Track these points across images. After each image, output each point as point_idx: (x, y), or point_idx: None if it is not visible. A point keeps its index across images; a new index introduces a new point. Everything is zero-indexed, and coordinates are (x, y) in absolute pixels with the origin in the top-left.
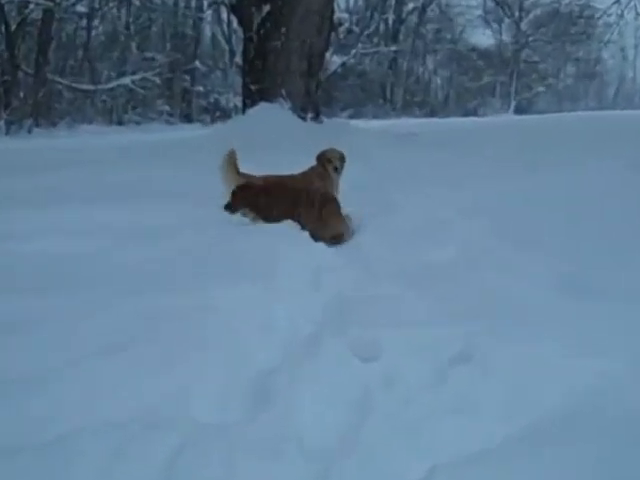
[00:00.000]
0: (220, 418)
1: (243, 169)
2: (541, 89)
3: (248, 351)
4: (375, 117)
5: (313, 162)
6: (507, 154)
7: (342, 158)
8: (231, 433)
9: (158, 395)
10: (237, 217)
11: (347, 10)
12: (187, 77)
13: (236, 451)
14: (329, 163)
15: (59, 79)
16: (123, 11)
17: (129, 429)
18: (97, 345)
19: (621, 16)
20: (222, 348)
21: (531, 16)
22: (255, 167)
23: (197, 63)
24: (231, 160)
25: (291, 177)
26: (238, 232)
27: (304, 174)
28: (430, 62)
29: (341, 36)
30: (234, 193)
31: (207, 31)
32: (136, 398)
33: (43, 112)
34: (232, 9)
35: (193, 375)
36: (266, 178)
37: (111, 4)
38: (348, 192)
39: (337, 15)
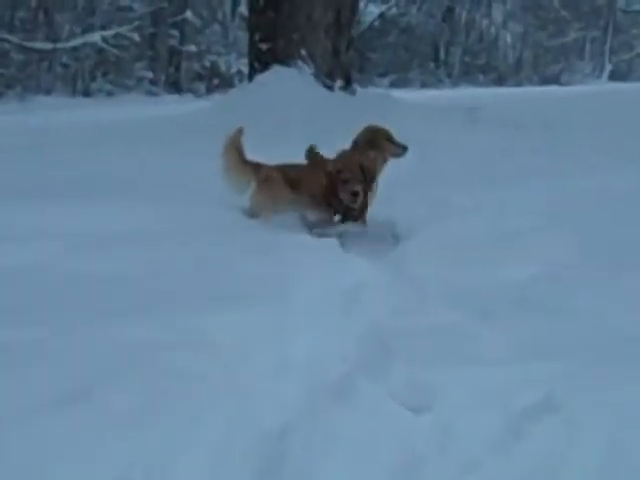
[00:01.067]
0: None
1: (251, 156)
2: None
3: (253, 402)
4: (424, 86)
5: (341, 147)
6: (601, 138)
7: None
8: None
9: (129, 461)
10: (245, 220)
11: None
12: (175, 33)
13: None
14: (343, 185)
15: (6, 36)
16: None
17: None
18: (51, 393)
19: None
20: (217, 398)
21: None
22: (266, 154)
23: (188, 14)
24: (235, 144)
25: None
26: (240, 241)
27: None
28: (498, 12)
29: None
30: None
31: None
32: (100, 464)
33: None
34: None
35: (177, 435)
36: (283, 169)
37: None
38: (390, 189)
39: None
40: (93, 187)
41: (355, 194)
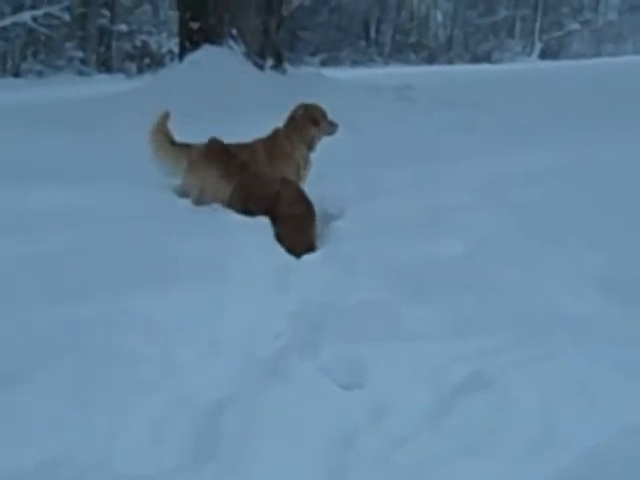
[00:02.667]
0: (149, 469)
1: (180, 137)
2: (575, 27)
3: (189, 379)
4: (356, 64)
5: (273, 125)
6: (531, 115)
7: (328, 118)
8: None
9: (68, 439)
10: (177, 200)
11: None
12: (105, 12)
13: None
14: (314, 125)
15: None
16: None
17: None
18: None
19: None
20: (154, 376)
21: None
22: (197, 133)
23: None
24: (161, 128)
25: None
26: (175, 222)
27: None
28: None
29: None
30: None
31: None
32: (38, 443)
33: None
34: None
35: (115, 412)
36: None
37: None
38: (323, 168)
39: None
40: (24, 170)
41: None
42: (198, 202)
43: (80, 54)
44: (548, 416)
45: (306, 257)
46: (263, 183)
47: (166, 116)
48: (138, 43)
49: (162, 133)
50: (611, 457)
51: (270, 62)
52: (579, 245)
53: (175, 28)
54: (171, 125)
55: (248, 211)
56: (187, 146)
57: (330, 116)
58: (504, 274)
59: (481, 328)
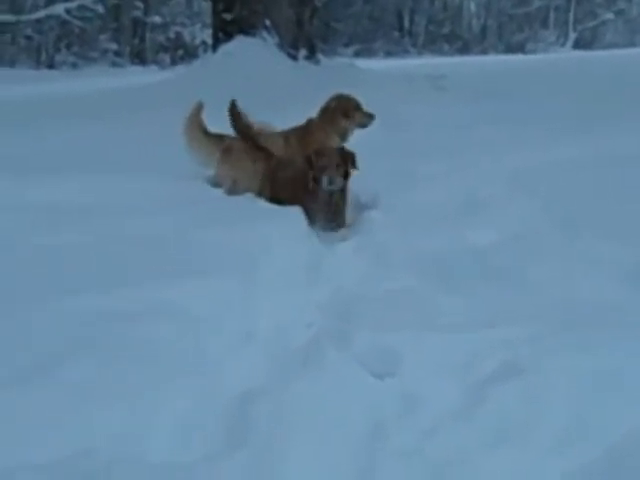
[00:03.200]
0: (181, 457)
1: (213, 128)
2: (609, 16)
3: (219, 369)
4: (389, 55)
5: (306, 116)
6: (564, 105)
7: (362, 110)
8: (195, 477)
9: (98, 431)
10: (210, 190)
11: None
12: (139, 4)
13: None
14: (345, 117)
15: None
16: None
17: (59, 476)
18: (16, 366)
19: None
20: (186, 366)
21: None
22: (230, 125)
23: None
24: (195, 119)
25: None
26: (205, 213)
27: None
28: None
29: None
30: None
31: None
32: (68, 436)
33: None
34: None
35: (146, 403)
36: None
37: None
38: (357, 158)
39: None
40: (57, 161)
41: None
42: (231, 192)
43: (114, 46)
44: (579, 408)
45: (339, 247)
46: (288, 168)
47: (200, 107)
48: (172, 35)
49: (196, 124)
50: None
51: (303, 53)
52: (611, 236)
53: (208, 19)
54: (204, 116)
55: (277, 199)
56: (220, 137)
57: (365, 107)
58: (536, 265)
59: (512, 318)
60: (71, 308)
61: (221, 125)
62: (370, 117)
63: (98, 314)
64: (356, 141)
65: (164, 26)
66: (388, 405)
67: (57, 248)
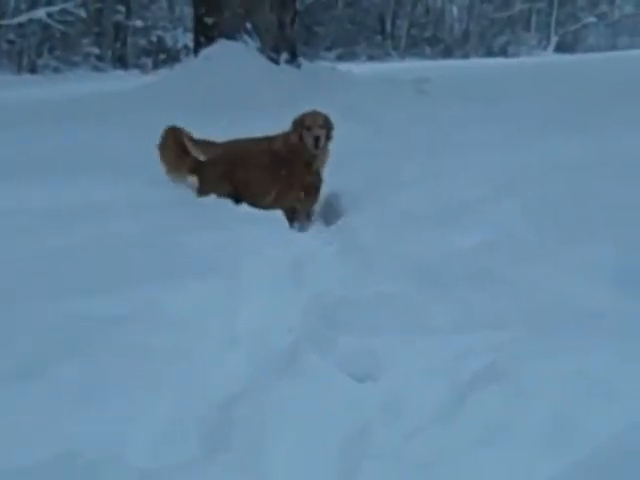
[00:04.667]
0: (164, 460)
1: (194, 132)
2: (591, 20)
3: (202, 372)
4: (371, 59)
5: (287, 120)
6: (548, 108)
7: (328, 124)
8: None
9: (81, 433)
10: (191, 195)
11: None
12: (121, 8)
13: None
14: (307, 131)
15: None
16: None
17: (41, 478)
18: (3, 369)
19: None
20: (167, 369)
21: None
22: (211, 129)
23: None
24: (174, 139)
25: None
26: (189, 216)
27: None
28: None
29: None
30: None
31: None
32: (52, 438)
33: None
34: None
35: (128, 406)
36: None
37: None
38: (338, 160)
39: None
40: (39, 165)
41: (317, 139)
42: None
43: (96, 50)
44: (562, 410)
45: (322, 250)
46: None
47: (173, 131)
48: (153, 38)
49: (169, 148)
50: (625, 452)
51: (285, 57)
52: (595, 239)
53: (190, 23)
54: (185, 121)
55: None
56: (196, 160)
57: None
58: (520, 268)
59: (496, 321)
60: (55, 311)
61: (200, 130)
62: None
63: (82, 318)
64: (338, 144)
65: (146, 30)
66: (370, 408)
67: (41, 252)
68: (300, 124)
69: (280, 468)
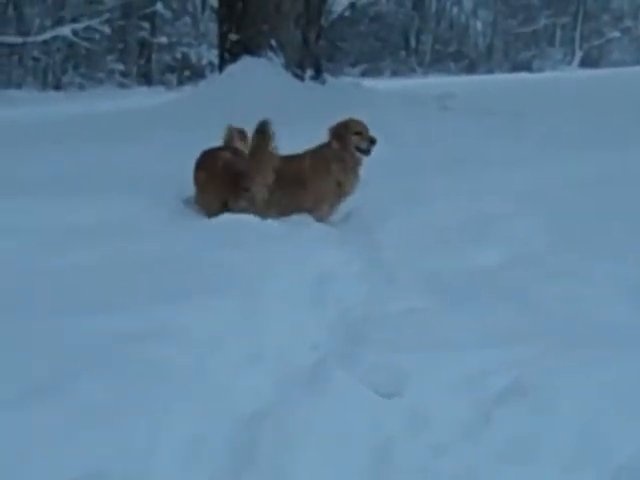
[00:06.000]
0: (189, 477)
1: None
2: (615, 35)
3: (227, 387)
4: (395, 75)
5: (316, 138)
6: (572, 124)
7: (369, 135)
8: None
9: (103, 454)
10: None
11: None
12: (145, 25)
13: None
14: (357, 135)
15: None
16: None
17: None
18: (19, 386)
19: None
20: (192, 386)
21: None
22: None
23: (159, 6)
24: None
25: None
26: (210, 234)
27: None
28: (467, 0)
29: None
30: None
31: None
32: (72, 458)
33: None
34: None
35: (151, 425)
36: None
37: None
38: (363, 175)
39: None
40: (63, 183)
41: (373, 141)
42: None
43: (120, 67)
44: (588, 426)
45: (345, 266)
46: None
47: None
48: (178, 55)
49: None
50: None
51: (309, 73)
52: (618, 255)
53: (215, 40)
54: (210, 138)
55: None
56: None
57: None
58: (543, 284)
59: (520, 337)
60: (77, 328)
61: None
62: (370, 142)
63: (105, 334)
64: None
65: (170, 46)
66: (395, 424)
67: (64, 269)
68: (345, 130)
69: None
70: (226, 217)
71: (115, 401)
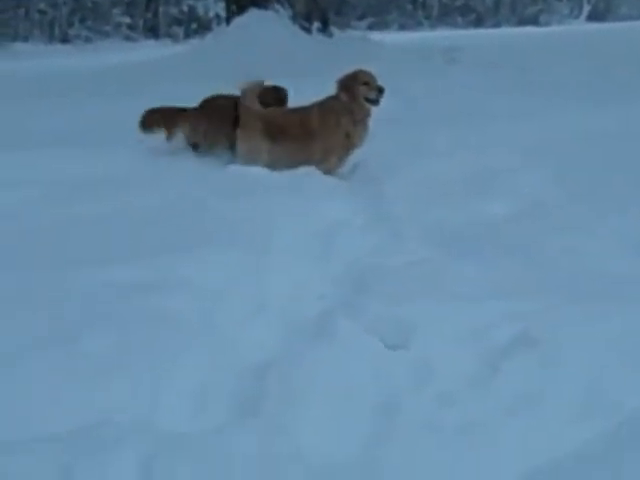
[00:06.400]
0: (194, 426)
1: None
2: None
3: (233, 339)
4: (403, 28)
5: (323, 91)
6: (579, 77)
7: (377, 85)
8: (208, 445)
9: (113, 399)
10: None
11: None
12: None
13: (214, 469)
14: (365, 86)
15: None
16: None
17: (73, 445)
18: (33, 336)
19: None
20: (199, 336)
21: None
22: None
23: None
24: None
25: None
26: (218, 185)
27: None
28: None
29: None
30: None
31: None
32: (83, 404)
33: None
34: None
35: (159, 372)
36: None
37: None
38: (371, 129)
39: None
40: (68, 136)
41: (381, 90)
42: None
43: (127, 20)
44: (593, 379)
45: (352, 218)
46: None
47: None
48: (185, 8)
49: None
50: None
51: (316, 26)
52: (625, 208)
53: None
54: (217, 90)
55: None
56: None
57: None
58: (548, 237)
59: (527, 290)
60: (80, 280)
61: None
62: (378, 91)
63: (108, 286)
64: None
65: None
66: (402, 375)
67: (67, 221)
68: (353, 81)
69: (310, 435)
70: (233, 169)
71: (125, 351)
